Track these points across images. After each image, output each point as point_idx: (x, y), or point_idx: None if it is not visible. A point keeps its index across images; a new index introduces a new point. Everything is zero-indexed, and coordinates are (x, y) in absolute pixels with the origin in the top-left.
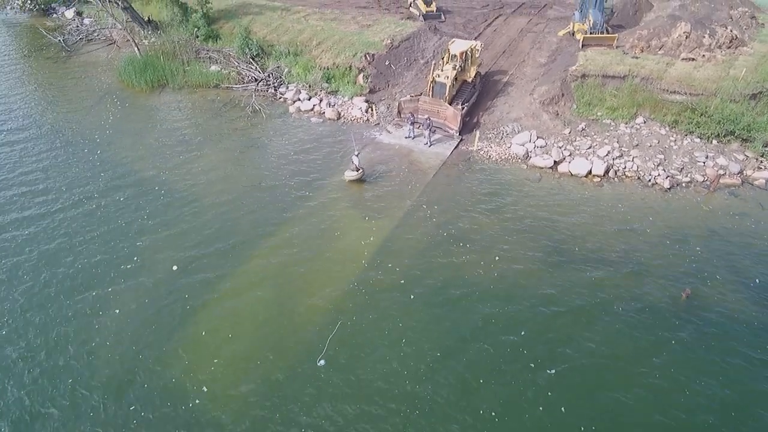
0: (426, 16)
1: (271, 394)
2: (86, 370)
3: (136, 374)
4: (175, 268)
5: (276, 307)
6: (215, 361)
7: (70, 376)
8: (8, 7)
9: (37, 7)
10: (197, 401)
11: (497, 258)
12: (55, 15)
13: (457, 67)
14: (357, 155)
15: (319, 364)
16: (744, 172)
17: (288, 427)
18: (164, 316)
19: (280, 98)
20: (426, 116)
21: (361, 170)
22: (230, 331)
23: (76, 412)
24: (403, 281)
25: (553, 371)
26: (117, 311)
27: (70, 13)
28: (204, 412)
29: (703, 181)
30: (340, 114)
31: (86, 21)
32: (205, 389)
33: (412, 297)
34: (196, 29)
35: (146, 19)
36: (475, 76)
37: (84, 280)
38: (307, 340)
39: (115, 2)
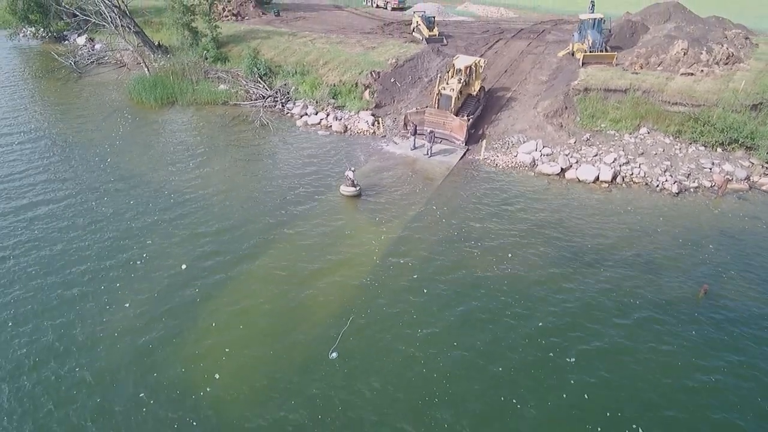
0: (429, 40)
1: (283, 383)
2: (95, 359)
3: (146, 363)
4: (184, 267)
5: (287, 301)
6: (226, 350)
7: (78, 365)
8: (21, 35)
9: (50, 34)
10: (208, 389)
11: (510, 255)
12: (66, 42)
13: (462, 81)
14: (353, 170)
15: (331, 357)
16: (751, 178)
17: (301, 413)
18: (174, 309)
19: (287, 113)
20: (429, 129)
21: (358, 187)
22: (241, 324)
23: (85, 399)
24: (416, 276)
25: (573, 359)
26: (126, 305)
27: (81, 40)
28: (216, 398)
29: (711, 186)
30: (346, 127)
31: (97, 46)
32: (217, 376)
33: (425, 291)
34: (205, 51)
35: (156, 43)
36: (479, 90)
37: (93, 275)
38: (319, 333)
39: (127, 27)
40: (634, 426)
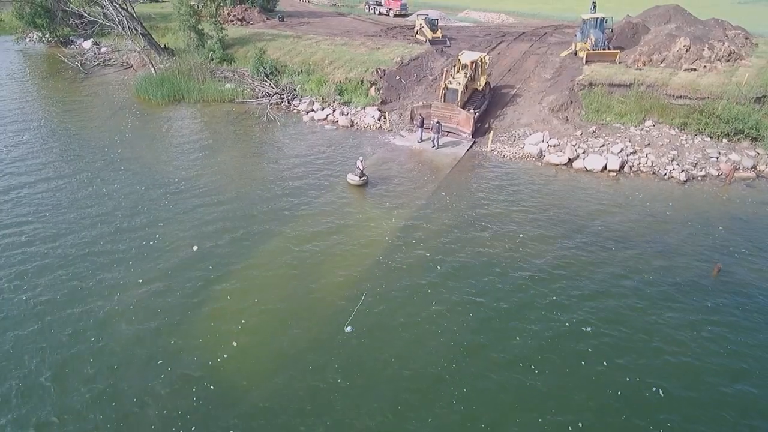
0: (432, 42)
1: (300, 352)
2: (111, 330)
3: (162, 333)
4: (195, 248)
5: (300, 279)
6: (243, 321)
7: (94, 336)
8: (27, 39)
9: (56, 39)
10: (226, 355)
11: (521, 235)
12: (72, 46)
13: (467, 76)
14: (361, 160)
15: (346, 331)
16: (757, 167)
17: (318, 379)
18: (188, 283)
19: (293, 110)
20: (435, 119)
21: (365, 177)
22: (256, 297)
23: (102, 366)
24: (428, 254)
25: (590, 329)
26: (140, 281)
27: (87, 44)
28: (234, 364)
29: (718, 175)
30: (353, 122)
31: (103, 49)
32: (235, 344)
33: (439, 268)
34: (211, 53)
35: (162, 46)
36: (485, 86)
37: (105, 255)
38: (333, 308)
39: (135, 29)
40: (654, 389)
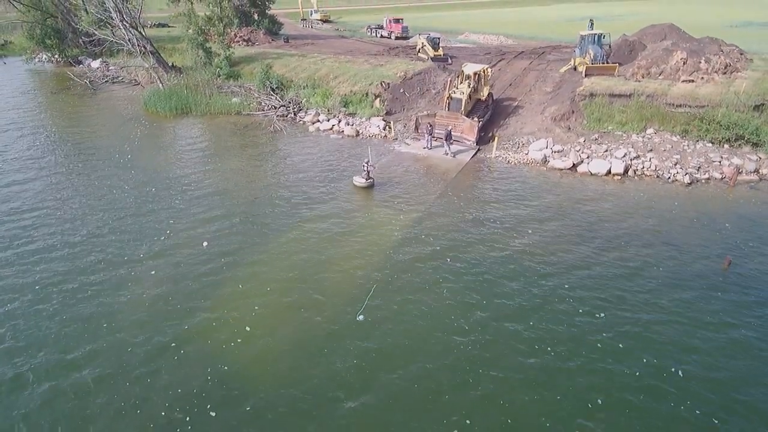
0: (434, 59)
1: (313, 338)
2: (124, 317)
3: (175, 319)
4: (205, 244)
5: (311, 271)
6: (256, 308)
7: (106, 322)
8: (36, 59)
9: (65, 59)
10: (239, 340)
11: (530, 231)
12: (81, 66)
13: (471, 86)
14: (367, 161)
15: (358, 319)
16: (760, 170)
17: (332, 362)
18: (200, 274)
19: (299, 121)
20: (449, 127)
21: (371, 179)
22: (268, 287)
23: (116, 352)
24: (438, 248)
25: (603, 315)
26: (152, 273)
27: (96, 63)
28: (247, 347)
29: (722, 179)
30: (358, 132)
31: (111, 68)
32: (248, 329)
33: (448, 260)
34: (218, 69)
35: (170, 64)
36: (487, 96)
37: (117, 249)
38: (345, 297)
39: (143, 47)
40: (673, 369)
